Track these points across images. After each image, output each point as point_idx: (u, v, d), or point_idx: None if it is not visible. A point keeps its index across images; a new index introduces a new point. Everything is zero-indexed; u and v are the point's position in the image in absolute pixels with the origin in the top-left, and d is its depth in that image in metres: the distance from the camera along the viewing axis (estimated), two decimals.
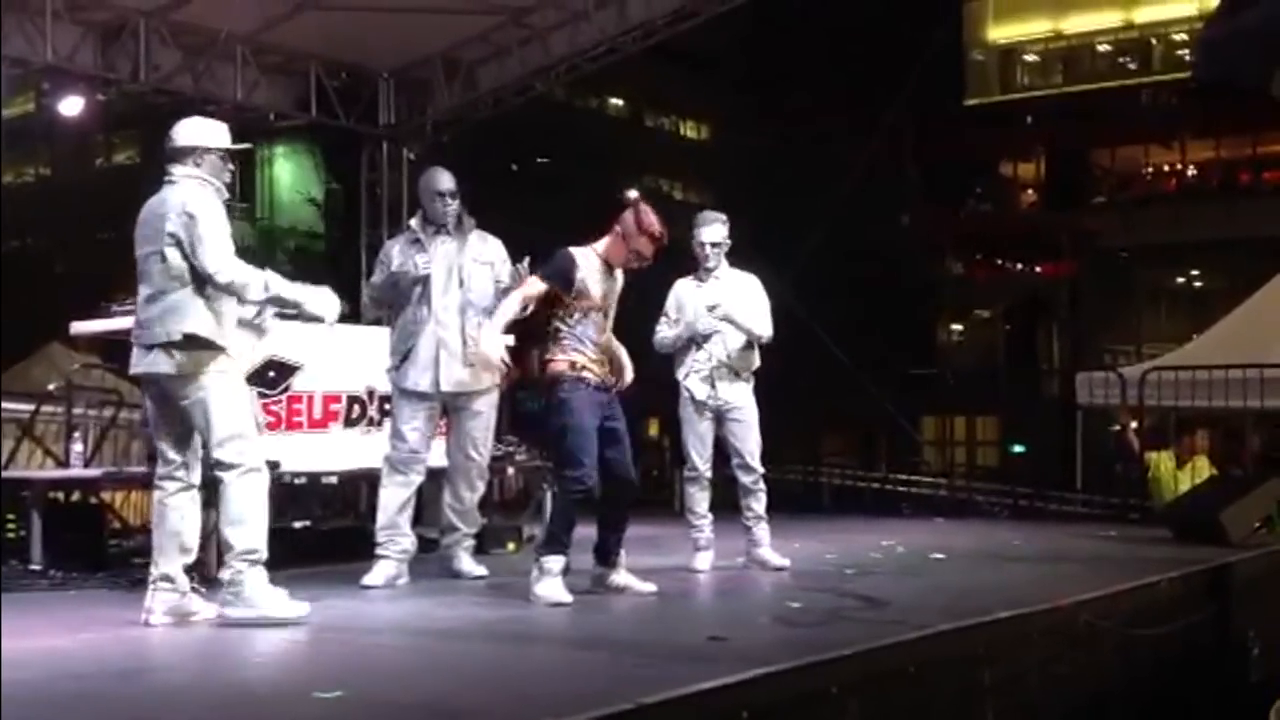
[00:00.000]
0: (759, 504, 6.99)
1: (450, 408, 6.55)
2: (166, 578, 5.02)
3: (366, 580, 6.25)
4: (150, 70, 9.59)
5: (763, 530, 7.00)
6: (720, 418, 6.98)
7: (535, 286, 5.83)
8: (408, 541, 6.41)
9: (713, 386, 6.95)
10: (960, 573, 7.10)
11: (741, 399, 6.99)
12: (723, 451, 7.12)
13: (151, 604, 5.00)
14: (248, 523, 4.95)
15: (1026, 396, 28.50)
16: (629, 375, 5.93)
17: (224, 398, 4.97)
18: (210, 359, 4.96)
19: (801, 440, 16.29)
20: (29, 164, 32.45)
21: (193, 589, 5.18)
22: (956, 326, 36.52)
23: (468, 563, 6.64)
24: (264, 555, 4.98)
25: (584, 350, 5.78)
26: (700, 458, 7.00)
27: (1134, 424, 11.47)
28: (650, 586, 5.95)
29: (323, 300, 5.20)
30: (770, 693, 3.85)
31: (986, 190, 37.41)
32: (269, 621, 4.90)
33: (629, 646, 4.65)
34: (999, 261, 36.86)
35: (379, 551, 6.35)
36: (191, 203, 4.99)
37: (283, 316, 5.53)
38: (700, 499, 7.00)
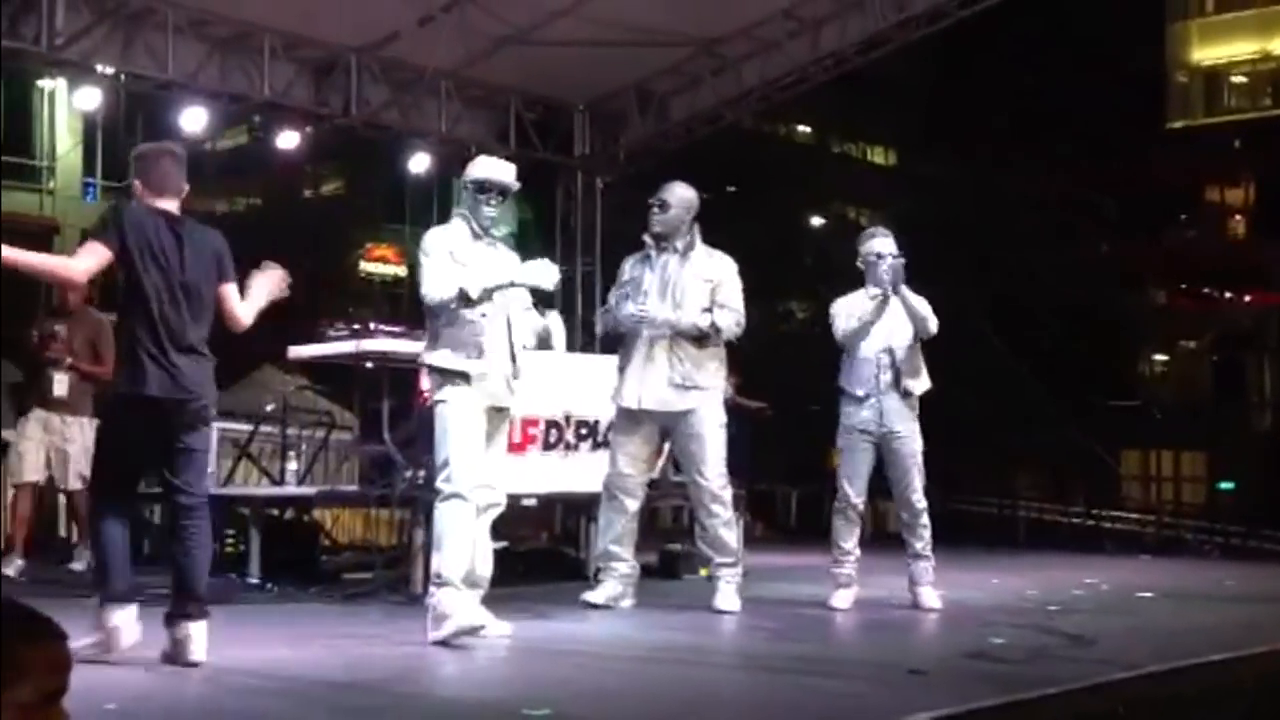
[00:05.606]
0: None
1: (666, 428, 6.38)
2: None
3: (587, 596, 6.28)
4: (361, 104, 10.01)
5: (922, 568, 6.52)
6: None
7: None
8: (625, 566, 6.36)
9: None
10: (1169, 613, 6.85)
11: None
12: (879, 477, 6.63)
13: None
14: (437, 548, 5.16)
15: (1235, 431, 27.26)
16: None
17: (442, 424, 5.20)
18: (443, 384, 5.21)
19: (994, 473, 15.90)
20: (241, 194, 33.98)
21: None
22: (1160, 358, 35.20)
23: (721, 596, 6.25)
24: (450, 579, 5.06)
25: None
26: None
27: None
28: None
29: (536, 271, 5.31)
30: None
31: (1191, 217, 36.07)
32: (459, 635, 4.96)
33: (828, 675, 4.62)
34: (1205, 290, 35.41)
35: (600, 576, 6.41)
36: (424, 239, 5.39)
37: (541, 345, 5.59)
38: (844, 532, 6.52)
